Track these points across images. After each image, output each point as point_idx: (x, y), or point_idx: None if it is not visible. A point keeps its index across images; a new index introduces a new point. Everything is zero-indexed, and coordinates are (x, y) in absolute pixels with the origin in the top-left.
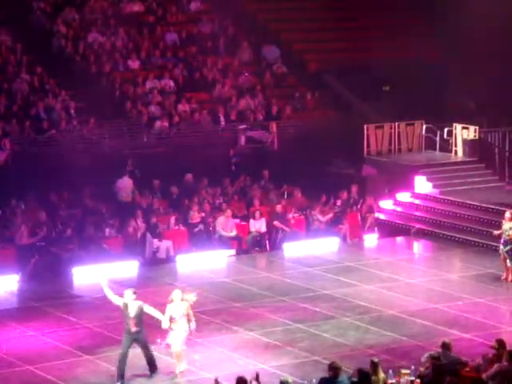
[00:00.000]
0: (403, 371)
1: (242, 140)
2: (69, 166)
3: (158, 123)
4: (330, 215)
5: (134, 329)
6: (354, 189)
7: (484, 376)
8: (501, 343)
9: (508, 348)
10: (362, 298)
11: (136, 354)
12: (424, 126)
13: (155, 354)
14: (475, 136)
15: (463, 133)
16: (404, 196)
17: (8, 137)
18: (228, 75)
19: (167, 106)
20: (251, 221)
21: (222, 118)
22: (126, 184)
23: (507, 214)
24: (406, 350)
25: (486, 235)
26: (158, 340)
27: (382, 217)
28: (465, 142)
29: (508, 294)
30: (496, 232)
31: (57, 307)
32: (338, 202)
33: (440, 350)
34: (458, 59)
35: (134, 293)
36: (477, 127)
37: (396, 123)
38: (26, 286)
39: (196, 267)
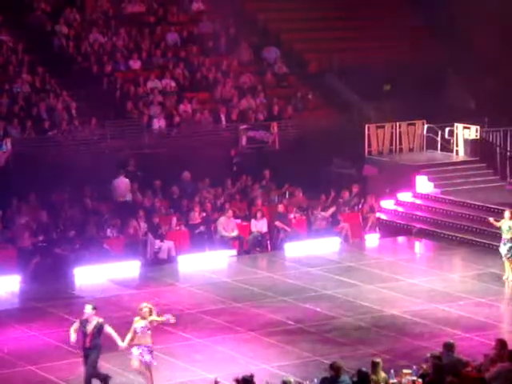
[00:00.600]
0: (405, 371)
1: (243, 140)
2: (70, 166)
3: (158, 123)
4: (333, 209)
5: (87, 345)
6: (355, 189)
7: (486, 376)
8: (502, 343)
9: (509, 348)
10: (364, 298)
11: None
12: (425, 126)
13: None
14: (476, 136)
15: (464, 132)
16: (405, 196)
17: (9, 137)
18: (229, 75)
19: (168, 106)
20: (252, 221)
21: (223, 118)
22: (122, 184)
23: (507, 214)
24: (407, 350)
25: (488, 235)
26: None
27: (383, 217)
28: (466, 141)
29: (509, 294)
30: (491, 219)
31: (58, 308)
32: (340, 202)
33: (441, 349)
34: (459, 59)
35: (94, 308)
36: (478, 127)
37: (397, 123)
38: (28, 287)
39: (197, 267)
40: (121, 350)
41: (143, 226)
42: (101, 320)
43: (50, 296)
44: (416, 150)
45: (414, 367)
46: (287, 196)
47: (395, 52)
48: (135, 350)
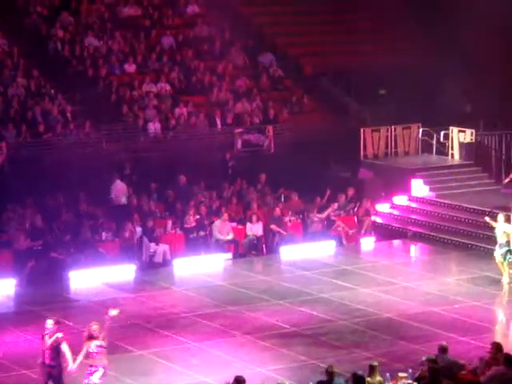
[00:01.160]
0: (400, 374)
1: (239, 143)
2: (65, 169)
3: (153, 127)
4: (329, 210)
5: (46, 361)
6: (351, 192)
7: (481, 379)
8: (497, 347)
9: (505, 351)
10: (359, 302)
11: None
12: (420, 130)
13: None
14: (472, 139)
15: (460, 136)
16: (401, 199)
17: (4, 141)
18: (224, 79)
19: (164, 109)
20: (248, 224)
21: (218, 122)
22: (117, 187)
23: (500, 217)
24: (403, 354)
25: (483, 238)
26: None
27: (378, 220)
28: (461, 145)
29: (505, 297)
30: (487, 218)
31: (53, 311)
32: (335, 205)
33: (437, 353)
34: (455, 63)
35: (56, 323)
36: (473, 130)
37: (392, 126)
38: (23, 290)
39: (193, 271)
40: (71, 372)
41: (138, 229)
42: (60, 335)
43: (45, 300)
44: (411, 154)
45: (410, 370)
46: (283, 199)
47: (390, 55)
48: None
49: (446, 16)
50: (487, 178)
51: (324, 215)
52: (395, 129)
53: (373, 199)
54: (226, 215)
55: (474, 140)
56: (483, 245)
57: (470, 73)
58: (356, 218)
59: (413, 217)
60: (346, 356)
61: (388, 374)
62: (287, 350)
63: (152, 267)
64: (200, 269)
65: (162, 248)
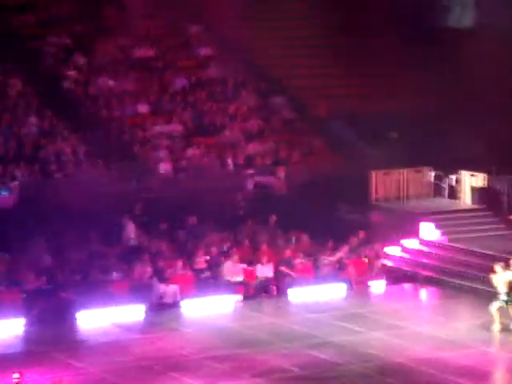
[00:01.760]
0: None
1: (250, 184)
2: (76, 209)
3: (164, 167)
4: (340, 254)
5: None
6: (362, 234)
7: None
8: None
9: None
10: (369, 346)
11: None
12: (432, 173)
13: None
14: (484, 184)
15: (471, 180)
16: (412, 243)
17: (16, 180)
18: (236, 119)
19: (175, 150)
20: (258, 266)
21: (230, 163)
22: (129, 228)
23: (498, 268)
24: None
25: None
26: None
27: (389, 263)
28: (473, 189)
29: None
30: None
31: (62, 352)
32: (346, 248)
33: None
34: (466, 107)
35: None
36: (485, 175)
37: (404, 170)
38: (32, 330)
39: (202, 312)
40: None
41: (148, 269)
42: None
43: (53, 340)
44: (423, 197)
45: None
46: (293, 241)
47: (402, 100)
48: None
49: (455, 64)
50: (498, 222)
51: (335, 258)
52: (407, 172)
53: (383, 242)
54: (236, 256)
55: (485, 184)
56: (495, 290)
57: (483, 118)
58: (366, 261)
59: (424, 260)
60: None
61: None
62: None
63: (161, 308)
64: (210, 310)
65: (172, 289)
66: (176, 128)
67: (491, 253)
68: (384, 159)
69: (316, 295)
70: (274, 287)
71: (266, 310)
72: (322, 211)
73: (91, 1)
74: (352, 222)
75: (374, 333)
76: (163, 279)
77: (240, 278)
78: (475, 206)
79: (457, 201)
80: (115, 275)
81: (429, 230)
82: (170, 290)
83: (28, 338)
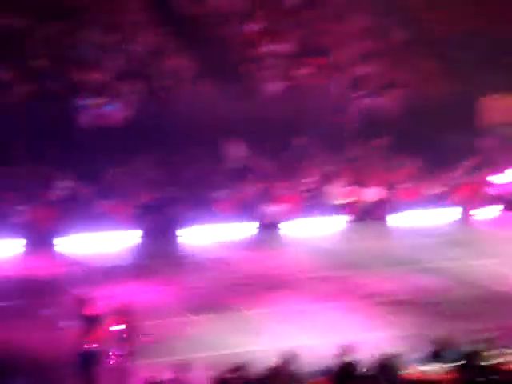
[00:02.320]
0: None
1: (360, 106)
2: (185, 127)
3: (272, 87)
4: (451, 179)
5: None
6: (472, 160)
7: None
8: None
9: None
10: (473, 273)
11: None
12: None
13: None
14: None
15: None
16: None
17: (126, 98)
18: (348, 41)
19: (285, 69)
20: (366, 189)
21: (339, 84)
22: (235, 147)
23: None
24: None
25: None
26: None
27: (499, 190)
28: None
29: None
30: None
31: (167, 266)
32: (456, 173)
33: None
34: None
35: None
36: None
37: None
38: (141, 244)
39: (307, 233)
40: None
41: (255, 189)
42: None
43: (161, 254)
44: None
45: None
46: (402, 165)
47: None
48: None
49: None
50: None
51: (445, 183)
52: None
53: (495, 168)
54: (343, 178)
55: None
56: None
57: None
58: (477, 188)
59: None
60: (458, 327)
61: (502, 348)
62: (399, 317)
63: (267, 227)
64: (314, 231)
65: (278, 209)
66: (286, 47)
67: None
68: (499, 84)
69: (423, 220)
70: (381, 210)
71: (370, 234)
72: (432, 136)
73: None
74: (463, 147)
75: (480, 260)
76: (269, 199)
77: (346, 200)
78: None
79: None
80: (222, 193)
81: None
82: (275, 210)
83: (136, 252)
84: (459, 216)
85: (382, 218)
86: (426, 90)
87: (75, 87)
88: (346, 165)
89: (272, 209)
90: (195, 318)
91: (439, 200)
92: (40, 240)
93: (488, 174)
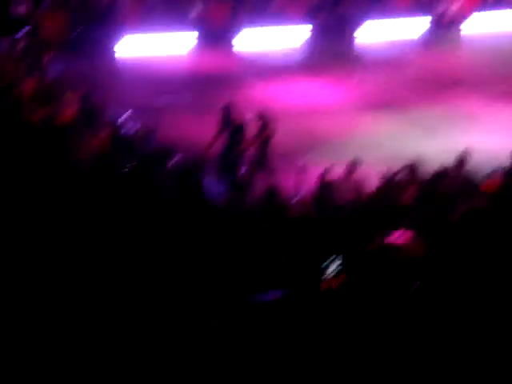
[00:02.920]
0: None
1: None
2: None
3: None
4: None
5: None
6: None
7: None
8: None
9: None
10: None
11: None
12: None
13: None
14: None
15: None
16: None
17: None
18: None
19: None
20: None
21: None
22: None
23: None
24: None
25: None
26: None
27: None
28: None
29: None
30: None
31: (340, 65)
32: None
33: None
34: None
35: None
36: None
37: None
38: (313, 42)
39: (484, 32)
40: None
41: None
42: None
43: (334, 52)
44: None
45: None
46: None
47: None
48: None
49: None
50: None
51: None
52: None
53: None
54: None
55: None
56: None
57: None
58: None
59: None
60: None
61: None
62: None
63: (443, 26)
64: (498, 29)
65: (455, 7)
66: None
67: None
68: None
69: None
70: None
71: None
72: None
73: None
74: None
75: None
76: None
77: None
78: None
79: None
80: None
81: None
82: (453, 8)
83: (308, 49)
84: None
85: None
86: None
87: None
88: None
89: (450, 6)
90: (366, 117)
91: None
92: (213, 35)
93: None
